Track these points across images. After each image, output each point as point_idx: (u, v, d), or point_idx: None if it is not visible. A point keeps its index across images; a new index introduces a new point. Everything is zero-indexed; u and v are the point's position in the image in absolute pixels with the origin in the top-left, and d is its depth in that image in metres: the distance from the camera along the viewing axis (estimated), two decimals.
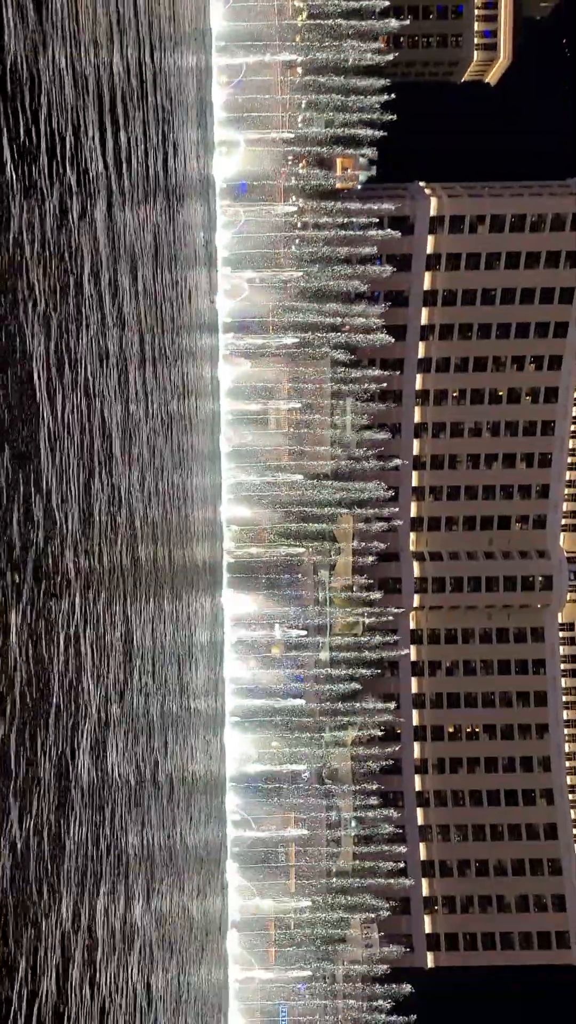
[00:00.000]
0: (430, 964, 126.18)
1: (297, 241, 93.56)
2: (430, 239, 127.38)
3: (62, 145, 13.53)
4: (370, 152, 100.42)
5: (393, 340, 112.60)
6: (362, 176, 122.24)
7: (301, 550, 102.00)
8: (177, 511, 32.71)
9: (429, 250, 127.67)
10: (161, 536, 26.71)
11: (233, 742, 77.38)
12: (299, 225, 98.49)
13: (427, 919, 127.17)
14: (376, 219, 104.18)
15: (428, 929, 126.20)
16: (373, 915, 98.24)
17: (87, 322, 15.81)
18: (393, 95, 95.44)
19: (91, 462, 15.99)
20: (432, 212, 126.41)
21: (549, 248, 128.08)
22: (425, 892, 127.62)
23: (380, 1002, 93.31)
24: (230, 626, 76.28)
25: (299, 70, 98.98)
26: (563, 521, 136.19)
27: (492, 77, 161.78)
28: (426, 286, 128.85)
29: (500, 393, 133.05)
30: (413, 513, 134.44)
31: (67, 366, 13.86)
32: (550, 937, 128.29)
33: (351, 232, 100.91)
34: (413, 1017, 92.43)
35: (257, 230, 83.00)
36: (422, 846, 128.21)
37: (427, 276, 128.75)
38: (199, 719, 41.47)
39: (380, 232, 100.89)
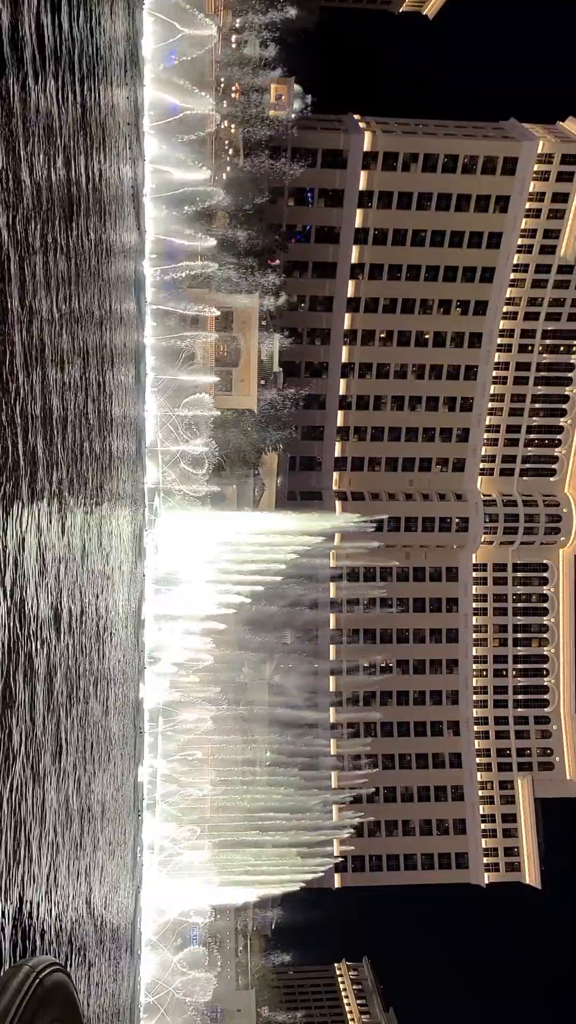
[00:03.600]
0: (337, 884, 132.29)
1: (227, 171, 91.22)
2: (363, 175, 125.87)
3: None
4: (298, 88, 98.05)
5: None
6: (296, 105, 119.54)
7: (227, 487, 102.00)
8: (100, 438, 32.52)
9: (361, 187, 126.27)
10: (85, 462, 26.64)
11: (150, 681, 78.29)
12: (229, 155, 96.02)
13: (335, 844, 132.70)
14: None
15: (335, 852, 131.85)
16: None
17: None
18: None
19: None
20: (366, 147, 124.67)
21: (479, 192, 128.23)
22: (334, 818, 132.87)
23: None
24: (152, 557, 76.35)
25: None
26: (481, 465, 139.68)
27: (431, 10, 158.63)
28: (357, 223, 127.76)
29: (426, 336, 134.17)
30: (337, 453, 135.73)
31: None
32: (451, 858, 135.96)
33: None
34: None
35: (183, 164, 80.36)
36: (333, 775, 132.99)
37: (359, 213, 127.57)
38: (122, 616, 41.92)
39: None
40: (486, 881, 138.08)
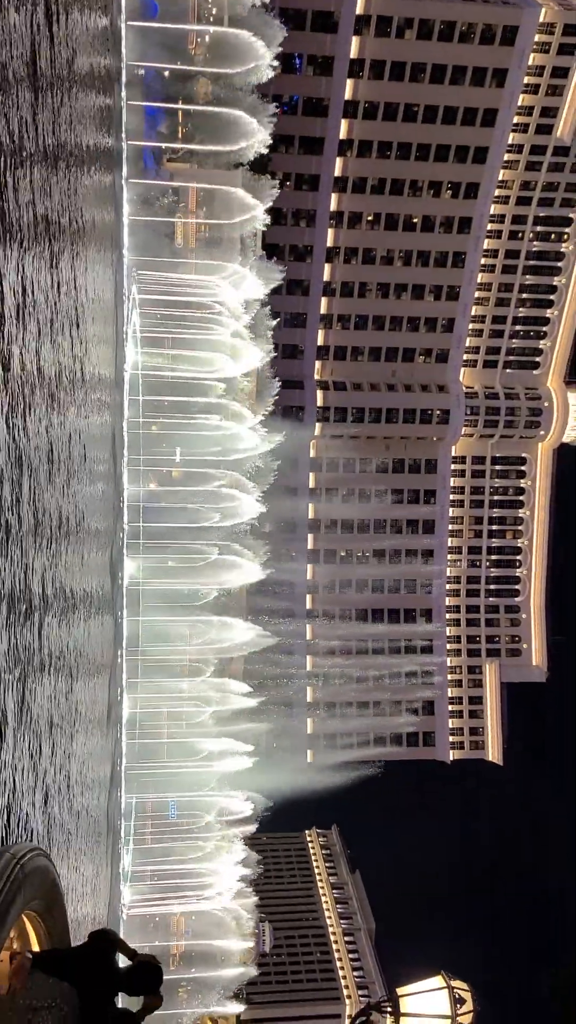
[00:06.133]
0: (310, 760, 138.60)
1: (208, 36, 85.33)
2: (354, 40, 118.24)
3: None
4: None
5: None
6: None
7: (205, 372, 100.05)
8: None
9: (352, 54, 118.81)
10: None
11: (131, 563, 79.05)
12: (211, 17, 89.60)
13: (309, 723, 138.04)
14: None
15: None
16: None
17: None
18: None
19: None
20: (358, 10, 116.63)
21: (476, 63, 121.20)
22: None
23: None
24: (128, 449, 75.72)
25: None
26: (464, 356, 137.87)
27: None
28: (347, 95, 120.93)
29: (415, 220, 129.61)
30: (320, 341, 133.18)
31: None
32: (418, 737, 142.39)
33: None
34: None
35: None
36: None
37: (349, 84, 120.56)
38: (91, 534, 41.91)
39: None
40: (451, 758, 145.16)
